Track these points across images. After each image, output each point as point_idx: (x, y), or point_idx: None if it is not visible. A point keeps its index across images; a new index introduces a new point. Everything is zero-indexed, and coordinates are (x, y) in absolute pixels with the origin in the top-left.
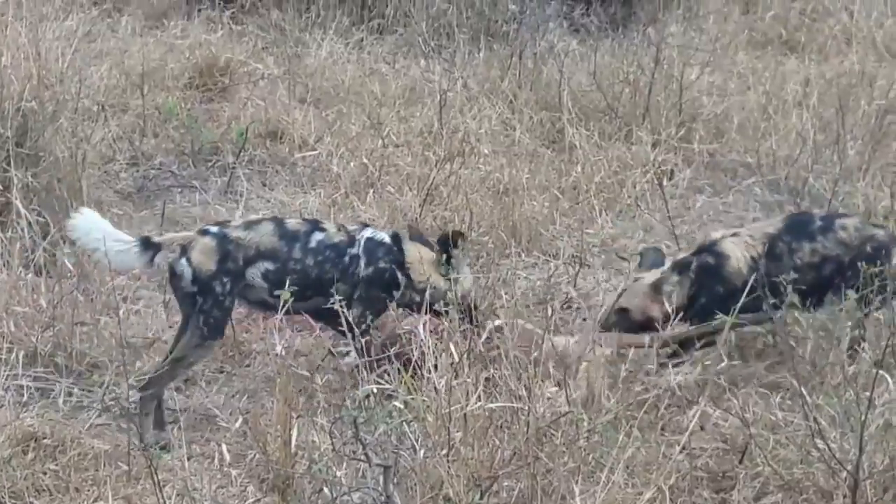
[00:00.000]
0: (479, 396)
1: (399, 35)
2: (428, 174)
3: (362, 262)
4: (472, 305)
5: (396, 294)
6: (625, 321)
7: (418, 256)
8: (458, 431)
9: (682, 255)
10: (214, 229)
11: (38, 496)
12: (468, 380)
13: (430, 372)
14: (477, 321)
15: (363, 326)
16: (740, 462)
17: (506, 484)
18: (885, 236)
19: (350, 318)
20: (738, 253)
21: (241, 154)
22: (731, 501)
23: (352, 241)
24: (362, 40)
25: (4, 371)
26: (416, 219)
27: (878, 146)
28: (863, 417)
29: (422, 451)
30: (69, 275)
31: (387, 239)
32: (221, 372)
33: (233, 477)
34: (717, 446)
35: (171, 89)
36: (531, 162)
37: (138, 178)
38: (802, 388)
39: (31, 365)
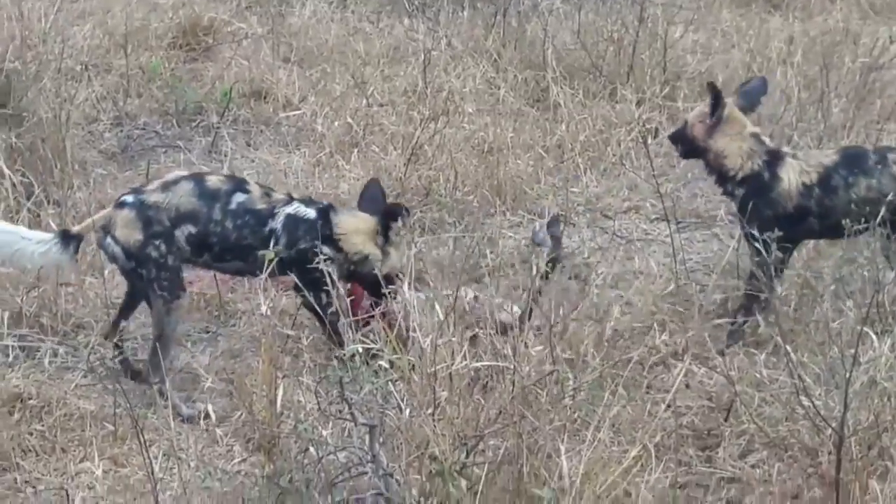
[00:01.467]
0: (464, 355)
1: None
2: (412, 133)
3: (282, 242)
4: (397, 279)
5: (329, 269)
6: (681, 135)
7: (353, 227)
8: (443, 390)
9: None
10: (131, 199)
11: (24, 456)
12: (453, 339)
13: (415, 331)
14: (392, 296)
15: (328, 308)
16: (725, 420)
17: (491, 443)
18: None
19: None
20: (792, 177)
21: (226, 114)
22: (717, 459)
23: (272, 212)
24: None
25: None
26: (401, 178)
27: (862, 104)
28: (847, 375)
29: (407, 411)
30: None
31: (310, 214)
32: (207, 332)
33: (219, 436)
34: (702, 404)
35: (155, 49)
36: (515, 121)
37: (122, 138)
38: (787, 346)
39: (17, 325)
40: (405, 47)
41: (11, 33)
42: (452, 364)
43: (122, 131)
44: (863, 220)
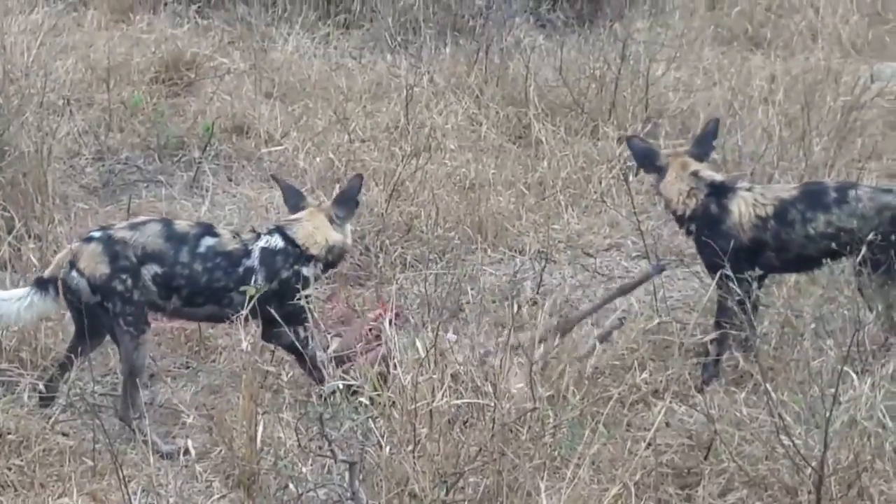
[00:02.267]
0: (444, 392)
1: (365, 30)
2: (394, 169)
3: (261, 277)
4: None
5: (310, 288)
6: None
7: (310, 229)
8: (423, 427)
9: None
10: (98, 234)
11: (3, 492)
12: (434, 376)
13: (395, 368)
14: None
15: (303, 345)
16: (705, 458)
17: (471, 480)
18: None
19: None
20: (743, 208)
21: (207, 149)
22: (697, 497)
23: (246, 251)
24: (328, 35)
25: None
26: (382, 214)
27: (843, 142)
28: (828, 414)
29: (388, 448)
30: (34, 269)
31: (280, 243)
32: (187, 367)
33: (198, 472)
34: (682, 442)
35: (137, 84)
36: (497, 157)
37: (104, 172)
38: (767, 385)
39: None
40: (387, 83)
41: None
42: (433, 401)
43: (103, 166)
44: (827, 255)
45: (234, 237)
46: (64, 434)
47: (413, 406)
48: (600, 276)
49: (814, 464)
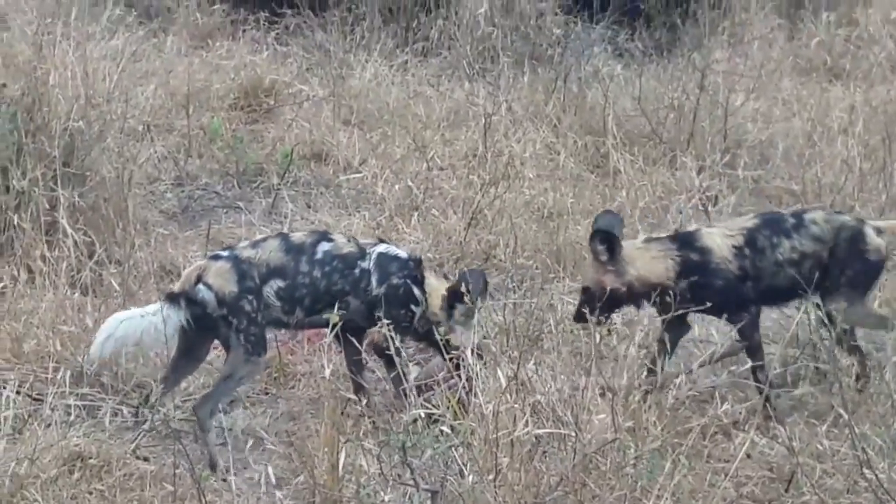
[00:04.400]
0: (525, 422)
1: (443, 58)
2: (472, 197)
3: (374, 279)
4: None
5: (416, 310)
6: (591, 299)
7: (436, 288)
8: (505, 457)
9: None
10: (226, 253)
11: None
12: (515, 405)
13: (476, 396)
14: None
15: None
16: (786, 490)
17: None
18: (854, 222)
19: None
20: (719, 242)
21: (286, 175)
22: None
23: (363, 253)
24: (406, 62)
25: (52, 390)
26: (461, 242)
27: None
28: None
29: (469, 476)
30: (115, 294)
31: (402, 254)
32: (266, 394)
33: (278, 499)
34: (763, 474)
35: (216, 110)
36: (575, 186)
37: (183, 198)
38: (849, 417)
39: (78, 384)
40: (465, 111)
41: (76, 93)
42: (514, 430)
43: (183, 191)
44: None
45: (349, 241)
46: (145, 459)
47: (494, 435)
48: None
49: None
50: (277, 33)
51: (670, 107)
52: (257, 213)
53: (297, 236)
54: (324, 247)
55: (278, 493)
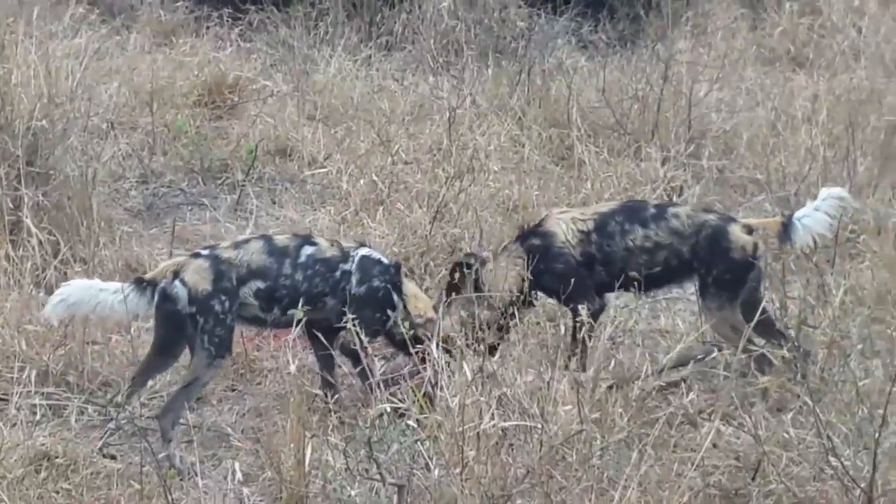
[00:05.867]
0: (492, 415)
1: (407, 52)
2: (437, 191)
3: (354, 279)
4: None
5: (391, 314)
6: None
7: (414, 291)
8: (471, 450)
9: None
10: (206, 251)
11: None
12: (481, 398)
13: (442, 390)
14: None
15: (360, 350)
16: (753, 479)
17: (519, 502)
18: (717, 220)
19: (357, 340)
20: (564, 227)
21: (251, 172)
22: None
23: (346, 256)
24: (370, 57)
25: (17, 390)
26: (426, 236)
27: (887, 162)
28: (876, 435)
29: (436, 470)
30: None
31: (384, 259)
32: (233, 390)
33: (245, 495)
34: (729, 464)
35: (181, 107)
36: (540, 179)
37: (148, 195)
38: (815, 406)
39: (44, 384)
40: (430, 105)
41: (39, 91)
42: (480, 423)
43: (147, 189)
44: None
45: (331, 245)
46: (112, 457)
47: (461, 428)
48: (645, 297)
49: (863, 485)
50: (241, 29)
51: (634, 98)
52: (222, 210)
53: (281, 239)
54: (307, 250)
55: (245, 490)
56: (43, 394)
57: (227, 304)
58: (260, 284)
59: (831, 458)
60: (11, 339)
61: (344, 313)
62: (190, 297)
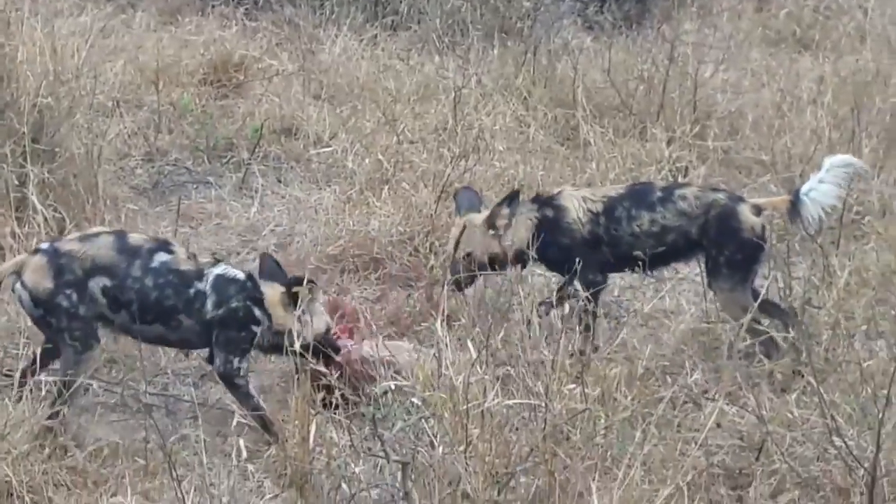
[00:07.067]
0: (496, 393)
1: (413, 31)
2: (443, 171)
3: (210, 302)
4: (329, 347)
5: (257, 330)
6: (471, 264)
7: (275, 299)
8: (475, 428)
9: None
10: (45, 246)
11: (56, 491)
12: (485, 377)
13: (447, 368)
14: (330, 361)
15: (234, 374)
16: (757, 459)
17: (523, 480)
18: (726, 199)
19: (217, 370)
20: (576, 204)
21: (256, 150)
22: (748, 498)
23: (199, 274)
24: (376, 37)
25: (22, 366)
26: (432, 216)
27: (892, 144)
28: (880, 415)
29: (440, 448)
30: None
31: (240, 275)
32: None
33: (250, 472)
34: (733, 443)
35: (186, 85)
36: (545, 159)
37: (153, 174)
38: (819, 386)
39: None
40: (435, 85)
41: (44, 69)
42: (484, 401)
43: (153, 167)
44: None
45: (188, 257)
46: (117, 434)
47: (465, 406)
48: (649, 276)
49: (866, 465)
50: (246, 8)
51: (640, 78)
52: (227, 189)
53: (134, 238)
54: (161, 257)
55: (250, 466)
56: (48, 370)
57: (74, 297)
58: (106, 282)
59: (835, 439)
60: (17, 316)
61: (202, 335)
62: (33, 299)
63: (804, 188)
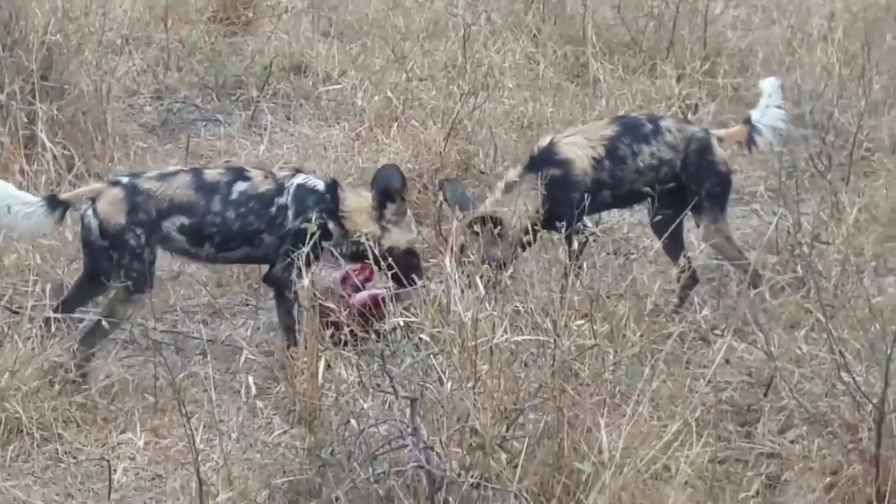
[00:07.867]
0: (505, 329)
1: None
2: (452, 108)
3: (290, 213)
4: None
5: (326, 245)
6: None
7: (356, 205)
8: (484, 364)
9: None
10: (125, 179)
11: (66, 427)
12: (494, 313)
13: (456, 304)
14: (419, 274)
15: (288, 285)
16: (765, 395)
17: (532, 416)
18: (701, 132)
19: (274, 274)
20: (580, 153)
21: (265, 88)
22: (756, 434)
23: (280, 189)
24: None
25: (31, 303)
26: (441, 153)
27: None
28: (889, 351)
29: (448, 384)
30: None
31: (319, 186)
32: (246, 305)
33: (259, 409)
34: (742, 380)
35: (195, 22)
36: (555, 96)
37: (162, 111)
38: (827, 322)
39: (58, 297)
40: (445, 22)
41: (53, 6)
42: (493, 338)
43: (162, 105)
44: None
45: (266, 177)
46: (126, 370)
47: (474, 342)
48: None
49: (874, 401)
50: None
51: (650, 15)
52: (237, 126)
53: (211, 174)
54: (239, 187)
55: (259, 403)
56: (57, 307)
57: (142, 237)
58: (185, 220)
59: (843, 374)
60: (26, 253)
61: (281, 247)
62: (101, 230)
63: (755, 115)
